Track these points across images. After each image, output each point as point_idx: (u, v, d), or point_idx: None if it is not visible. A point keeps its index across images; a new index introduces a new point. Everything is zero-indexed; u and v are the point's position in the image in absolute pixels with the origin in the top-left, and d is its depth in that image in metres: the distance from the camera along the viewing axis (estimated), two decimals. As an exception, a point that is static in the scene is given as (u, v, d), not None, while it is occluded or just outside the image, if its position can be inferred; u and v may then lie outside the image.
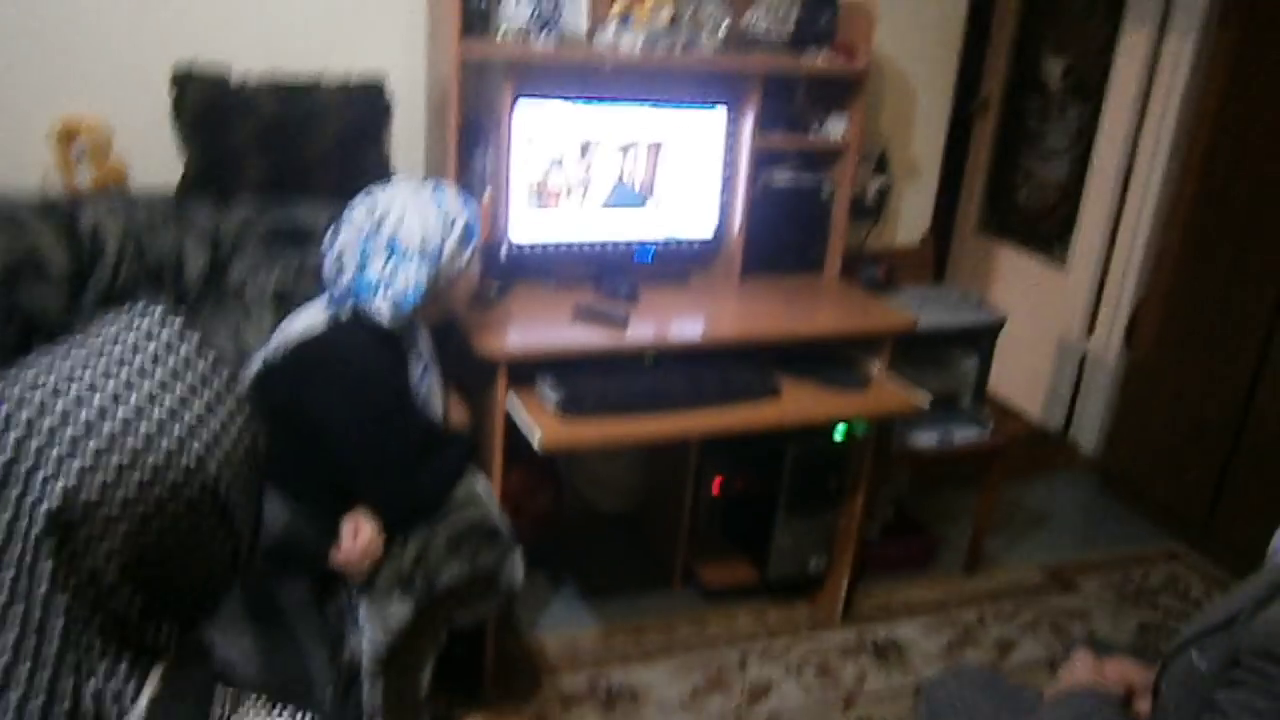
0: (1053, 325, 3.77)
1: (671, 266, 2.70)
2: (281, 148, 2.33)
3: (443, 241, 1.91)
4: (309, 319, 1.93)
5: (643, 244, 2.61)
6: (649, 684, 2.49)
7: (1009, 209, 4.00)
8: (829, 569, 2.74)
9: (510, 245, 2.41)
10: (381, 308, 1.87)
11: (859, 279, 2.83)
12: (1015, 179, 3.97)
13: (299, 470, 1.89)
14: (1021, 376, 3.89)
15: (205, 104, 2.30)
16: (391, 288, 1.87)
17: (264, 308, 2.26)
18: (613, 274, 2.55)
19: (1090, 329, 3.69)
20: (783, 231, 2.73)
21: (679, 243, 2.64)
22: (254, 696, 0.88)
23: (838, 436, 2.60)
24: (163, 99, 2.32)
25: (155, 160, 2.35)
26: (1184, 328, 3.26)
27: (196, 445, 0.80)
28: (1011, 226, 3.98)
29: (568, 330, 2.28)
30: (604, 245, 2.56)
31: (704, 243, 2.67)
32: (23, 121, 2.26)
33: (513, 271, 2.51)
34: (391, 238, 1.88)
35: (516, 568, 1.99)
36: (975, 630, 2.78)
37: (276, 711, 0.88)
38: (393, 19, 2.44)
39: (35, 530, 0.73)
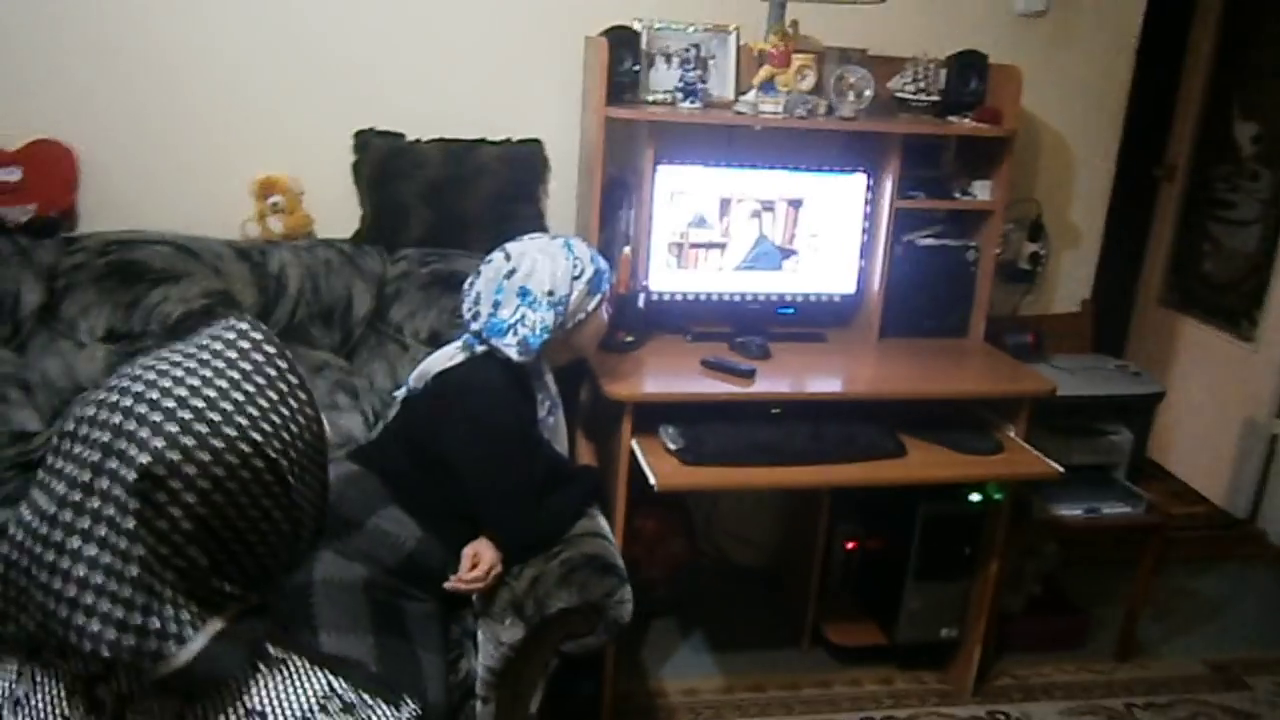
0: (1240, 404, 3.54)
1: (812, 324, 2.74)
2: (444, 203, 2.56)
3: (570, 289, 2.05)
4: (447, 355, 2.11)
5: (781, 299, 2.67)
6: (766, 739, 2.49)
7: (1194, 280, 3.80)
8: (961, 638, 2.66)
9: (648, 296, 2.53)
10: (510, 346, 2.02)
11: (1005, 344, 2.77)
12: (1201, 249, 3.78)
13: (430, 495, 2.06)
14: (1205, 457, 3.66)
15: (380, 162, 2.56)
16: (520, 329, 2.02)
17: (419, 346, 2.47)
18: (749, 330, 2.62)
19: (1280, 409, 3.44)
20: (926, 293, 2.72)
21: (818, 299, 2.69)
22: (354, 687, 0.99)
23: (972, 501, 2.55)
24: (348, 160, 2.60)
25: (341, 214, 2.62)
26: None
27: (265, 426, 0.93)
28: (1196, 298, 3.78)
29: (694, 380, 2.36)
30: (743, 299, 2.64)
31: (844, 300, 2.71)
32: (229, 178, 2.58)
33: (652, 324, 2.62)
34: (523, 285, 2.03)
35: (625, 603, 2.06)
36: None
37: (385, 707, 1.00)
38: (552, 88, 2.63)
39: (131, 476, 0.88)
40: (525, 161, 2.64)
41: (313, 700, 0.96)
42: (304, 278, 2.48)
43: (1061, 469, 2.34)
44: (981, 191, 2.67)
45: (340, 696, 0.97)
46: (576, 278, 2.07)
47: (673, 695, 2.62)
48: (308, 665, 0.99)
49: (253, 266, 2.47)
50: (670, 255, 2.56)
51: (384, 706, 0.99)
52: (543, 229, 2.65)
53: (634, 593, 2.78)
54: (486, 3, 2.58)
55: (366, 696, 0.99)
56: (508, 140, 2.64)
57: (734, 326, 2.64)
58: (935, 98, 2.65)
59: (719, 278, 2.61)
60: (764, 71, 2.54)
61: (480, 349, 2.07)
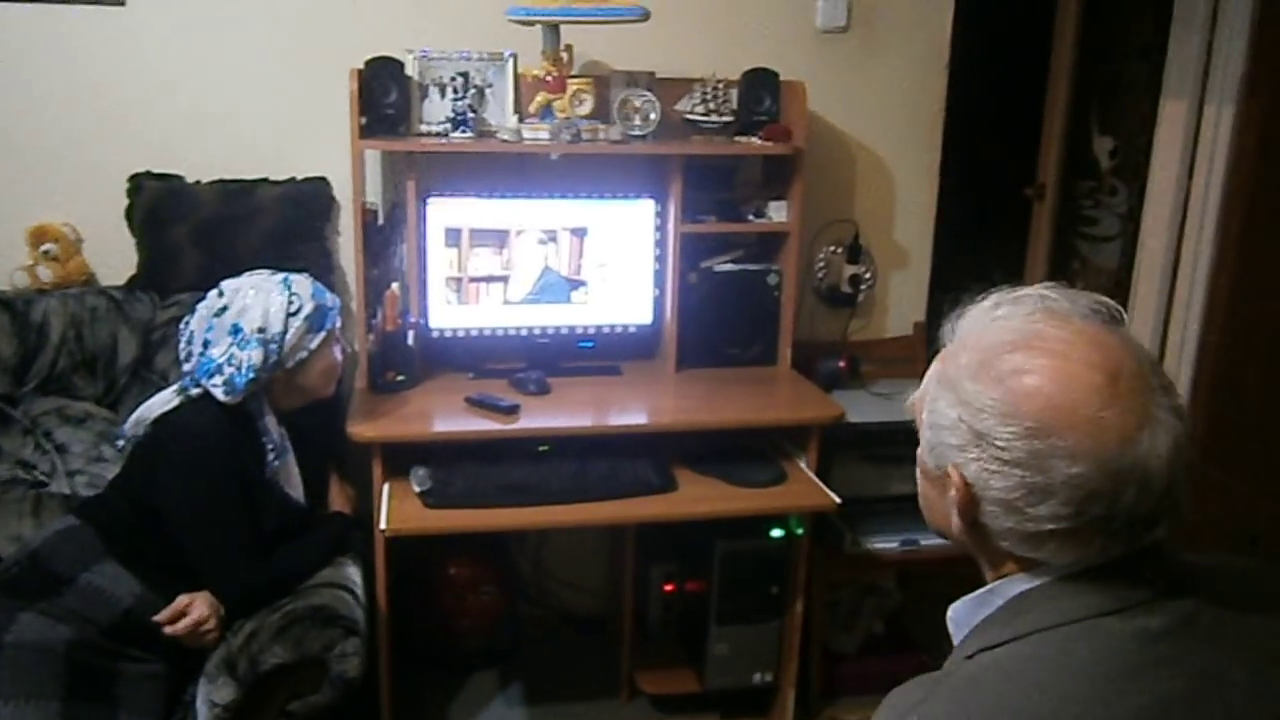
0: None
1: (612, 357, 2.65)
2: (217, 245, 2.48)
3: (284, 326, 1.96)
4: (164, 399, 2.02)
5: (573, 332, 2.57)
6: (555, 795, 2.35)
7: (1068, 300, 3.68)
8: (777, 683, 2.52)
9: (420, 333, 2.44)
10: (218, 387, 1.93)
11: (818, 371, 2.66)
12: (1071, 267, 3.67)
13: (152, 548, 1.96)
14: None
15: (152, 205, 2.49)
16: (226, 368, 1.93)
17: (180, 394, 2.37)
18: (543, 365, 2.52)
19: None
20: (728, 320, 2.62)
21: (613, 330, 2.59)
22: None
23: (773, 536, 2.42)
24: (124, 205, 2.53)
25: (123, 261, 2.54)
26: (1230, 435, 2.86)
27: None
28: (1069, 319, 3.66)
29: (453, 419, 2.26)
30: (532, 334, 2.55)
31: (641, 331, 2.61)
32: (2, 226, 2.50)
33: (435, 362, 2.53)
34: (235, 321, 1.95)
35: (349, 656, 1.94)
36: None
37: None
38: (335, 124, 2.56)
39: None
40: (309, 200, 2.56)
41: None
42: (67, 326, 2.40)
43: (838, 500, 2.22)
44: (778, 213, 2.58)
45: None
46: (293, 314, 1.98)
47: (471, 753, 2.49)
48: None
49: (14, 316, 2.40)
50: (449, 290, 2.47)
51: None
52: (330, 268, 2.57)
53: (445, 644, 2.68)
54: (264, 39, 2.52)
55: None
56: (291, 179, 2.57)
57: (529, 362, 2.55)
58: (727, 118, 2.57)
59: (504, 312, 2.52)
60: (540, 98, 2.47)
61: (195, 391, 1.98)
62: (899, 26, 2.75)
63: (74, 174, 2.52)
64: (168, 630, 1.89)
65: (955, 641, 0.99)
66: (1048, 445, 0.83)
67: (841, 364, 2.67)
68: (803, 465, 2.36)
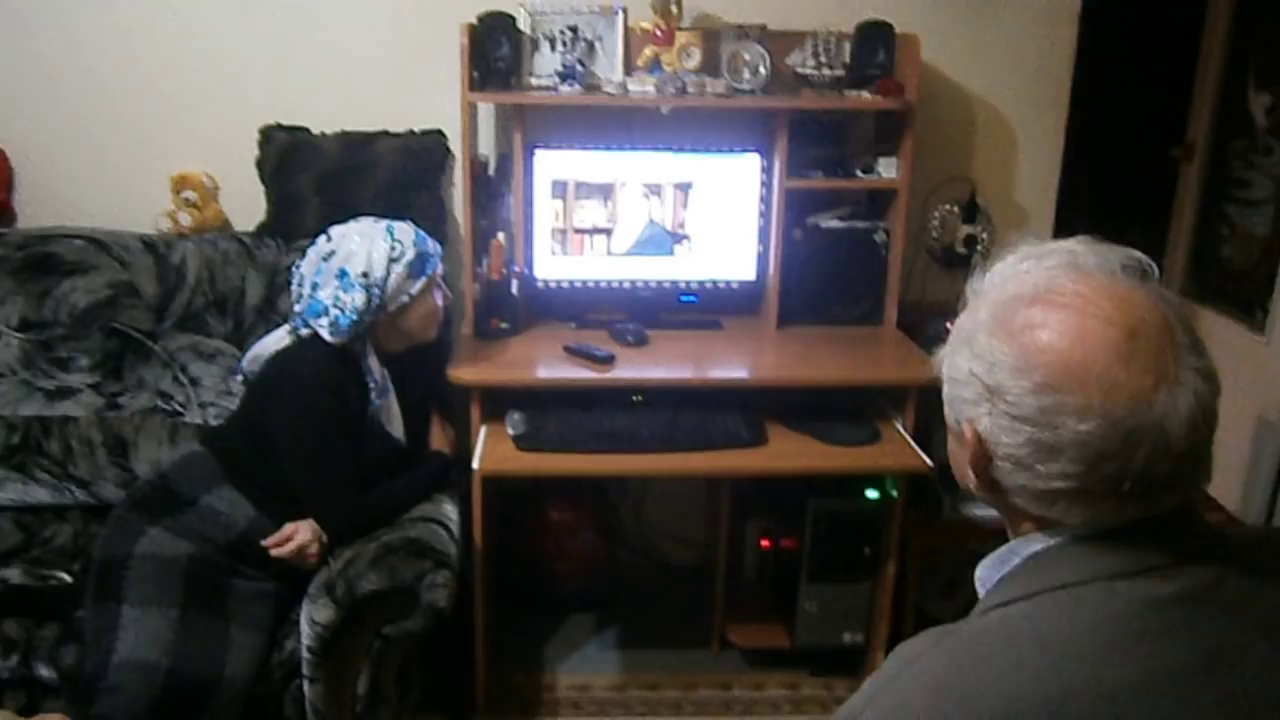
0: (1253, 401, 3.20)
1: (715, 311, 2.65)
2: (338, 194, 2.60)
3: (386, 271, 2.05)
4: (277, 338, 2.14)
5: (675, 285, 2.59)
6: (641, 737, 2.42)
7: (1212, 268, 3.47)
8: (867, 644, 2.51)
9: (525, 282, 2.50)
10: (324, 327, 2.04)
11: (925, 332, 2.60)
12: (1220, 233, 3.45)
13: (264, 476, 2.10)
14: (1217, 460, 3.33)
15: (280, 156, 2.63)
16: (333, 310, 2.03)
17: (300, 334, 2.51)
18: (644, 318, 2.55)
19: (1295, 408, 3.09)
20: (834, 278, 2.59)
21: (716, 286, 2.60)
22: None
23: (868, 497, 2.40)
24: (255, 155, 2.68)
25: (252, 208, 2.70)
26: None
27: None
28: (1214, 287, 3.45)
29: (550, 366, 2.32)
30: (634, 286, 2.58)
31: (744, 287, 2.60)
32: (149, 175, 2.69)
33: (541, 311, 2.59)
34: (341, 266, 2.05)
35: (439, 587, 2.03)
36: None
37: None
38: (449, 80, 2.63)
39: None
40: (425, 152, 2.65)
41: None
42: (202, 268, 2.57)
43: (930, 463, 2.18)
44: (887, 169, 2.52)
45: None
46: (395, 260, 2.07)
47: (562, 690, 2.57)
48: None
49: (157, 259, 2.57)
50: (554, 241, 2.53)
51: None
52: (443, 217, 2.66)
53: (543, 586, 2.77)
54: (383, -4, 2.62)
55: None
56: (409, 131, 2.66)
57: (630, 314, 2.59)
58: (839, 72, 2.52)
59: (607, 264, 2.56)
60: (648, 51, 2.49)
61: (305, 332, 2.10)
62: (1026, -25, 2.63)
63: (212, 126, 2.69)
64: (274, 552, 2.02)
65: (980, 598, 0.97)
66: (1056, 401, 0.81)
67: (949, 325, 2.59)
68: (899, 427, 2.33)
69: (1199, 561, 0.84)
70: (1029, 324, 0.84)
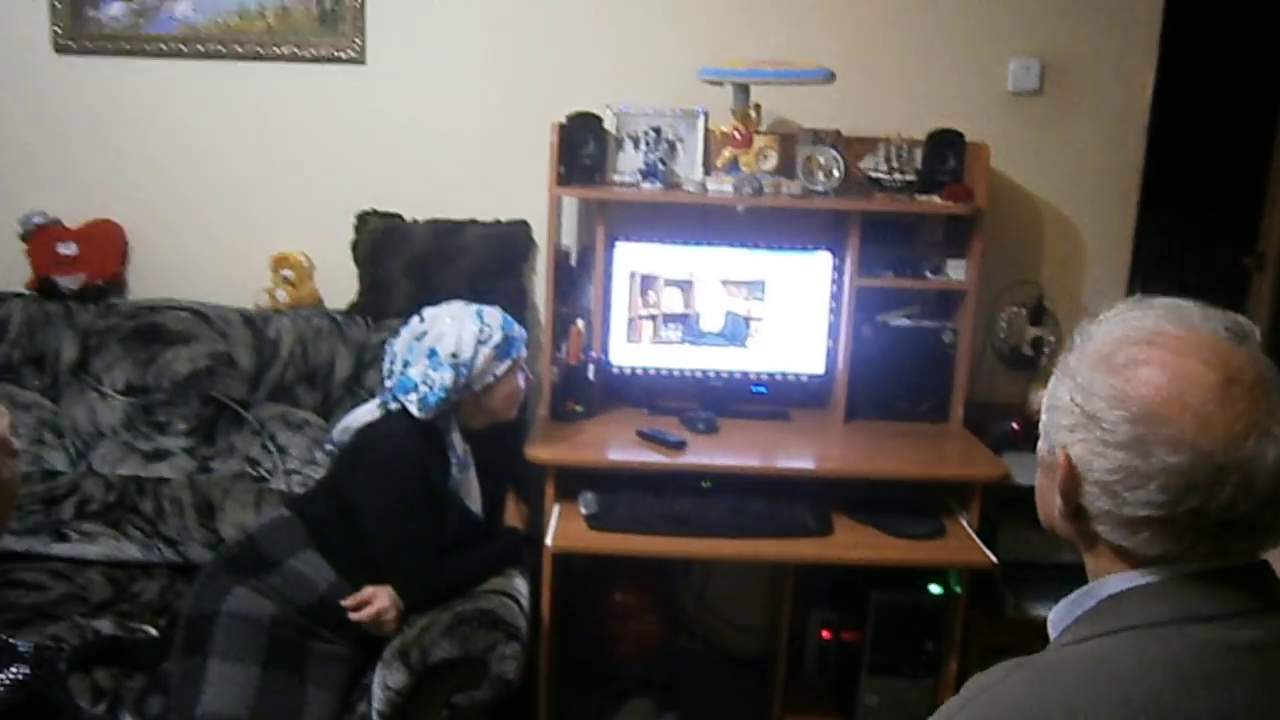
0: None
1: (783, 403, 2.72)
2: (426, 277, 2.74)
3: (474, 352, 2.17)
4: (367, 411, 2.26)
5: (745, 376, 2.67)
6: (696, 824, 2.42)
7: (1284, 378, 3.46)
8: (928, 743, 2.49)
9: (600, 368, 2.60)
10: (412, 403, 2.15)
11: (989, 431, 2.64)
12: (1290, 344, 3.45)
13: (347, 543, 2.19)
14: None
15: (374, 240, 2.79)
16: (422, 388, 2.15)
17: (384, 409, 2.63)
18: (716, 407, 2.63)
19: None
20: (901, 375, 2.65)
21: (786, 379, 2.67)
22: None
23: (932, 592, 2.42)
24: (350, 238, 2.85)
25: (344, 288, 2.85)
26: None
27: None
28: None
29: (623, 449, 2.40)
30: (706, 376, 2.66)
31: (813, 380, 2.67)
32: (251, 253, 2.87)
33: (615, 396, 2.69)
34: (432, 346, 2.17)
35: (509, 659, 2.09)
36: None
37: None
38: (536, 174, 2.78)
39: None
40: (509, 240, 2.79)
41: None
42: (295, 343, 2.71)
43: (994, 559, 2.20)
44: (956, 271, 2.59)
45: None
46: (483, 342, 2.18)
47: (620, 773, 2.59)
48: None
49: (254, 332, 2.73)
50: (631, 330, 2.63)
51: None
52: (525, 303, 2.78)
53: (605, 665, 2.81)
54: (479, 94, 2.79)
55: None
56: (496, 221, 2.80)
57: (702, 403, 2.67)
58: (910, 177, 2.62)
59: (680, 353, 2.65)
60: (727, 153, 2.61)
61: (394, 406, 2.21)
62: (1095, 88, 2.73)
63: (312, 210, 2.86)
64: (353, 616, 2.10)
65: (1052, 640, 1.01)
66: (1151, 431, 0.85)
67: (1015, 425, 2.63)
68: (963, 522, 2.36)
69: (1273, 613, 0.87)
70: (1131, 360, 0.89)
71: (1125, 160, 2.77)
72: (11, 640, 1.21)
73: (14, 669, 1.12)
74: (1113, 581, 0.93)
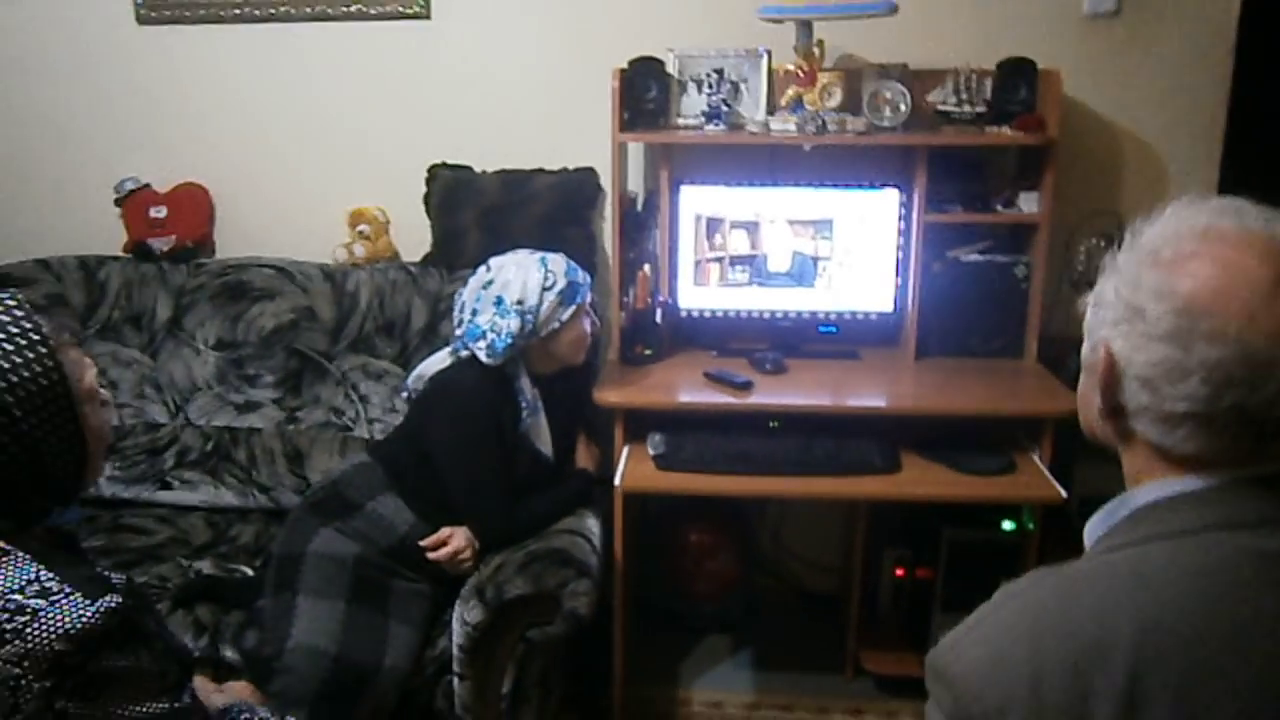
0: None
1: (853, 342, 2.72)
2: (496, 227, 2.79)
3: (540, 299, 2.21)
4: (439, 359, 2.33)
5: (814, 316, 2.67)
6: (771, 755, 2.47)
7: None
8: (1002, 678, 2.50)
9: (667, 311, 2.62)
10: (481, 350, 2.21)
11: (1067, 366, 2.59)
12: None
13: (425, 486, 2.28)
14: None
15: (445, 192, 2.85)
16: (490, 334, 2.20)
17: (459, 357, 2.70)
18: (785, 347, 2.64)
19: None
20: (973, 311, 2.62)
21: (855, 317, 2.66)
22: None
23: (1004, 529, 2.41)
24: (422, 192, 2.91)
25: (418, 240, 2.93)
26: None
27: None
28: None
29: (690, 391, 2.43)
30: (775, 317, 2.67)
31: (883, 319, 2.66)
32: (327, 211, 2.96)
33: (684, 340, 2.71)
34: (498, 294, 2.23)
35: (581, 595, 2.15)
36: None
37: None
38: (601, 121, 2.79)
39: None
40: (577, 188, 2.82)
41: (17, 582, 1.19)
42: (373, 295, 2.80)
43: (1064, 494, 2.18)
44: (1028, 204, 2.54)
45: (42, 583, 1.19)
46: (548, 289, 2.23)
47: (696, 705, 2.65)
48: (24, 557, 1.22)
49: (334, 286, 2.83)
50: (698, 273, 2.65)
51: (80, 598, 1.19)
52: (593, 249, 2.82)
53: (680, 605, 2.87)
54: (543, 44, 2.81)
55: (68, 586, 1.20)
56: (563, 169, 2.84)
57: (771, 344, 2.67)
58: (980, 109, 2.56)
59: (748, 295, 2.66)
60: (791, 91, 2.58)
61: (464, 354, 2.28)
62: (1177, 7, 2.61)
63: (384, 164, 2.93)
64: (431, 555, 2.19)
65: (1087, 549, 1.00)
66: (1193, 323, 0.84)
67: (1092, 359, 2.57)
68: (1035, 458, 2.33)
69: None
70: (1180, 254, 0.88)
71: (1211, 82, 2.66)
72: (107, 573, 1.31)
73: (109, 598, 1.21)
74: (1145, 491, 0.92)
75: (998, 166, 2.66)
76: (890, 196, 2.58)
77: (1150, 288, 0.87)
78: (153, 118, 2.99)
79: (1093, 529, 0.98)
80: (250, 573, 2.43)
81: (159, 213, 2.97)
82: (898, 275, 2.61)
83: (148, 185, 2.99)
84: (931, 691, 0.92)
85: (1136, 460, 0.94)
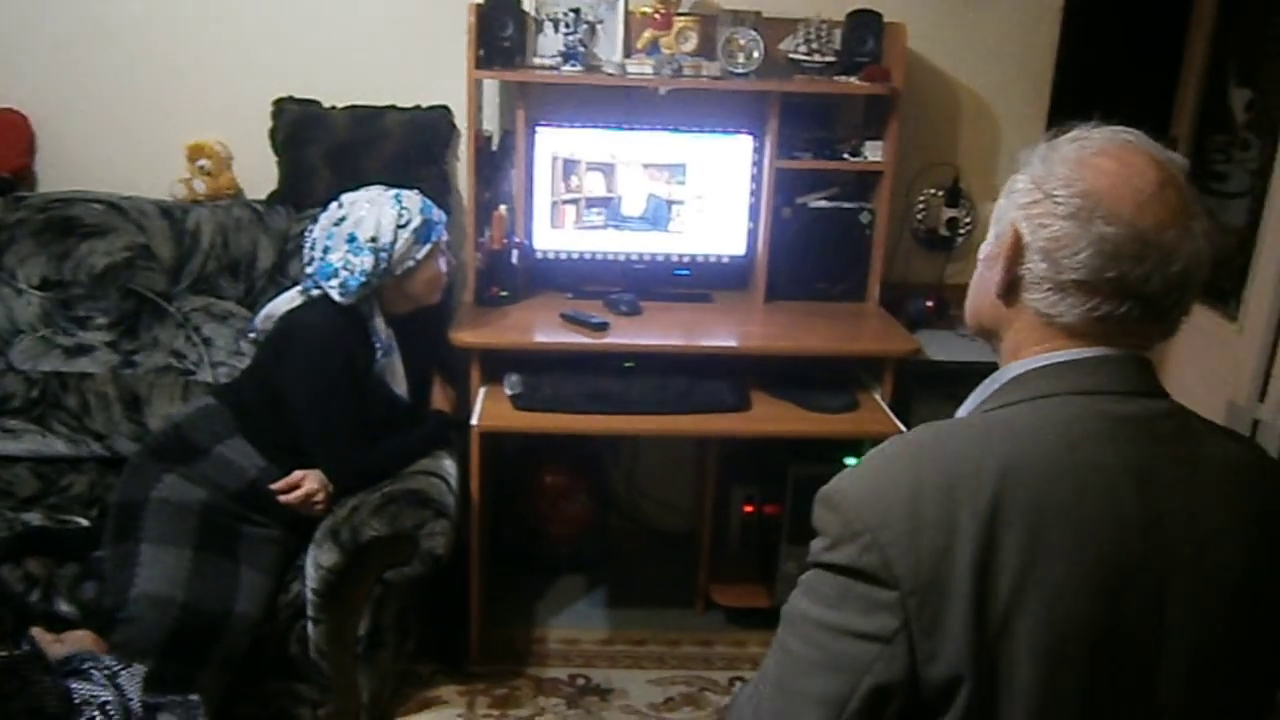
0: (1223, 387, 3.32)
1: (706, 286, 2.77)
2: (346, 165, 2.71)
3: (394, 237, 2.17)
4: (289, 298, 2.26)
5: (668, 259, 2.71)
6: (625, 687, 2.54)
7: (1190, 258, 3.58)
8: (843, 606, 2.63)
9: (524, 253, 2.62)
10: (333, 289, 2.16)
11: (906, 310, 2.72)
12: (1197, 225, 3.56)
13: (274, 429, 2.22)
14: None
15: (292, 127, 2.74)
16: (343, 273, 2.15)
17: (308, 298, 2.62)
18: (639, 290, 2.67)
19: (1263, 393, 3.21)
20: (820, 256, 2.71)
21: (707, 260, 2.72)
22: None
23: (846, 464, 2.52)
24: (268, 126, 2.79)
25: (267, 177, 2.81)
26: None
27: None
28: (1191, 277, 3.56)
29: (546, 332, 2.44)
30: (629, 259, 2.69)
31: (734, 262, 2.72)
32: (165, 143, 2.80)
33: (540, 281, 2.71)
34: (351, 231, 2.17)
35: (437, 535, 2.15)
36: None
37: None
38: (455, 58, 2.73)
39: None
40: (431, 126, 2.76)
41: None
42: (215, 234, 2.68)
43: (904, 429, 2.29)
44: (873, 153, 2.63)
45: None
46: (402, 226, 2.19)
47: (552, 642, 2.69)
48: None
49: (172, 224, 2.69)
50: (554, 214, 2.64)
51: None
52: (447, 189, 2.77)
53: (536, 546, 2.89)
54: (395, -25, 2.73)
55: None
56: (416, 107, 2.77)
57: (626, 286, 2.70)
58: (830, 59, 2.63)
59: (603, 238, 2.67)
60: (647, 34, 2.60)
61: (316, 292, 2.22)
62: (1013, -32, 2.75)
63: (227, 97, 2.79)
64: (282, 499, 2.14)
65: None
66: (1094, 205, 0.97)
67: (929, 304, 2.72)
68: (876, 397, 2.45)
69: (1154, 397, 1.01)
70: (1088, 153, 1.01)
71: (1040, 41, 2.81)
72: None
73: None
74: (1020, 364, 1.03)
75: (846, 115, 2.75)
76: (743, 142, 2.63)
77: (1060, 176, 1.00)
78: (-39, 37, 2.76)
79: (968, 403, 1.09)
80: (85, 523, 2.32)
81: (-30, 141, 2.75)
82: (749, 220, 2.68)
83: (-44, 111, 2.77)
84: (818, 522, 1.00)
85: (1020, 334, 1.05)
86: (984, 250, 1.09)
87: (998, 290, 1.04)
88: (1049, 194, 1.00)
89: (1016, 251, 1.01)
